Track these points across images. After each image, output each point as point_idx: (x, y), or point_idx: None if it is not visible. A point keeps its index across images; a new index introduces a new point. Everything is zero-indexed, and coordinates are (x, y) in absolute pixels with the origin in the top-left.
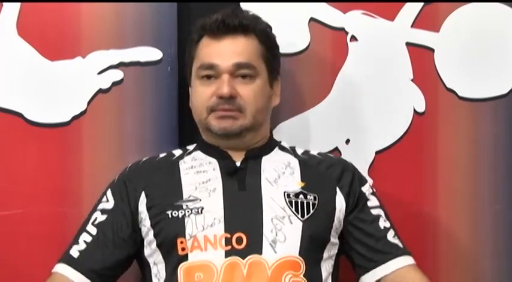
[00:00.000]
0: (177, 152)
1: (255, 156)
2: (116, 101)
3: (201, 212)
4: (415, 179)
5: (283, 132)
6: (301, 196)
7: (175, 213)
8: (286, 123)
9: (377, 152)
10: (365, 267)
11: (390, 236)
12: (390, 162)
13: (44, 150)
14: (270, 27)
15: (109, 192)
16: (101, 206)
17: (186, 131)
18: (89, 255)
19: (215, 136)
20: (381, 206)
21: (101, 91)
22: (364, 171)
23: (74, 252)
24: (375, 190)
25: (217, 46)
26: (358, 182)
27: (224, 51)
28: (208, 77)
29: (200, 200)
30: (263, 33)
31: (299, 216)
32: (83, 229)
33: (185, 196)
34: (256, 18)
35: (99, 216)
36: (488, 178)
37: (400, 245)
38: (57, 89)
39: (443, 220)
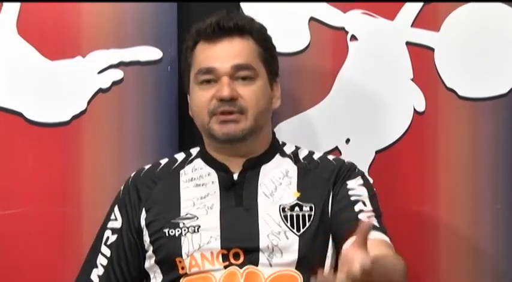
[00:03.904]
0: (180, 157)
1: (253, 166)
2: (116, 101)
3: (198, 231)
4: (415, 178)
5: (283, 132)
6: (296, 209)
7: (172, 232)
8: (286, 123)
9: (377, 152)
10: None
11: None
12: (390, 162)
13: (43, 149)
14: (265, 29)
15: (116, 209)
16: (110, 224)
17: (186, 131)
18: (108, 279)
19: (218, 142)
20: (369, 196)
21: (101, 91)
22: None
23: (94, 277)
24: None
25: (213, 49)
26: (345, 182)
27: (221, 54)
28: (208, 81)
29: (197, 218)
30: (259, 34)
31: (295, 230)
32: (97, 249)
33: (182, 213)
34: (251, 20)
35: (110, 236)
36: (489, 178)
37: (376, 224)
38: (57, 88)
39: (443, 220)
